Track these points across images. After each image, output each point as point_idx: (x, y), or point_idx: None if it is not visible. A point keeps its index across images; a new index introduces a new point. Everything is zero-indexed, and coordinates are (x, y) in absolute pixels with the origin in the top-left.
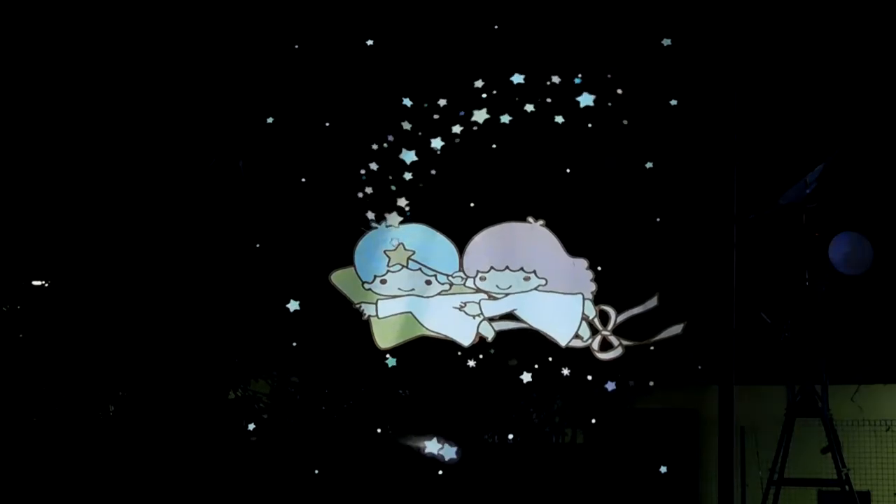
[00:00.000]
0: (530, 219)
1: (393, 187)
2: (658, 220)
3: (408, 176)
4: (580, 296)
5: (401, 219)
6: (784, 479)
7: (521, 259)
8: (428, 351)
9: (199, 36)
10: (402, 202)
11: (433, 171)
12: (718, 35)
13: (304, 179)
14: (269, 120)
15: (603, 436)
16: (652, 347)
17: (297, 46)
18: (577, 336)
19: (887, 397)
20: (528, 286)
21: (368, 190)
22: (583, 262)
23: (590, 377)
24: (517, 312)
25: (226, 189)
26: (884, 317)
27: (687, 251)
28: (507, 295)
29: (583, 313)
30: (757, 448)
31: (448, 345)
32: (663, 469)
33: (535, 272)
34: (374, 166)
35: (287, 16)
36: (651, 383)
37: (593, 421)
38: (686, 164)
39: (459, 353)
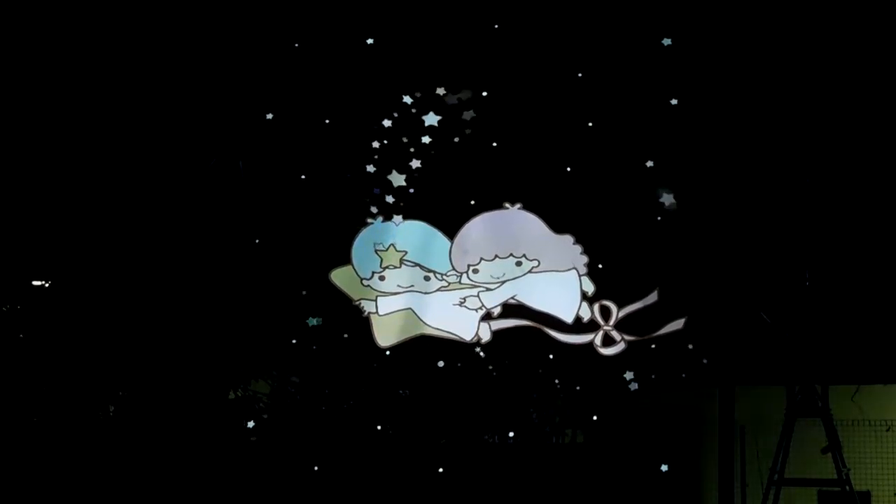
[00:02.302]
0: (507, 204)
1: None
2: (658, 219)
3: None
4: (574, 271)
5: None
6: (784, 479)
7: (509, 245)
8: (428, 349)
9: (198, 36)
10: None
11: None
12: (718, 34)
13: (303, 177)
14: (269, 116)
15: (604, 433)
16: (653, 346)
17: (296, 45)
18: (578, 317)
19: (887, 397)
20: (522, 270)
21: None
22: (569, 238)
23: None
24: (517, 298)
25: (226, 189)
26: (884, 317)
27: (687, 250)
28: (503, 283)
29: (581, 288)
30: (757, 448)
31: (448, 345)
32: (664, 468)
33: (524, 255)
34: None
35: (285, 15)
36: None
37: (594, 418)
38: (686, 162)
39: (461, 349)
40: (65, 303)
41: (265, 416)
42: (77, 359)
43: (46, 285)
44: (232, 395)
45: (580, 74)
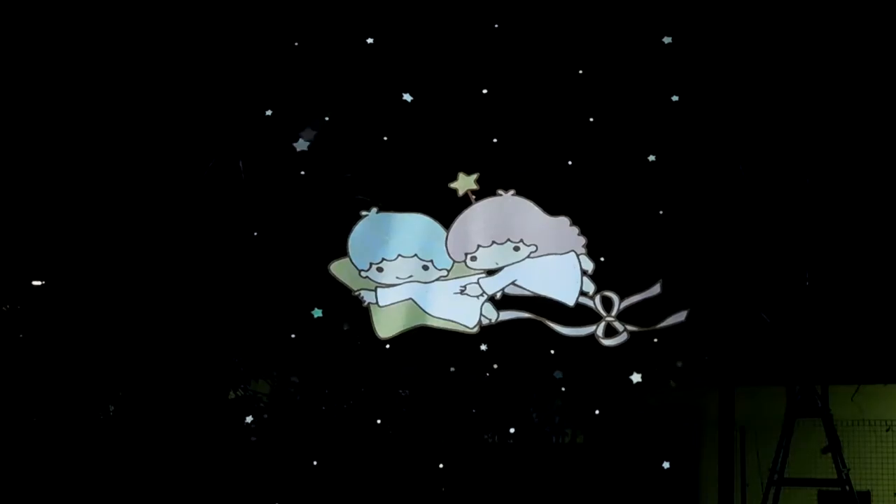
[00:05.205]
0: (500, 191)
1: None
2: (661, 212)
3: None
4: (573, 253)
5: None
6: (784, 479)
7: (505, 231)
8: (428, 347)
9: (197, 36)
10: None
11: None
12: (718, 31)
13: (303, 172)
14: (268, 112)
15: (604, 433)
16: (655, 339)
17: (296, 44)
18: (582, 293)
19: (887, 397)
20: (520, 256)
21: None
22: (565, 220)
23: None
24: (518, 283)
25: (225, 189)
26: (884, 317)
27: (689, 244)
28: (502, 268)
29: (581, 269)
30: (757, 448)
31: (448, 342)
32: (666, 464)
33: (522, 240)
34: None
35: (283, 15)
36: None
37: (597, 412)
38: (688, 158)
39: (460, 347)
40: (65, 303)
41: (265, 417)
42: (77, 359)
43: (46, 285)
44: (232, 395)
45: (580, 71)
